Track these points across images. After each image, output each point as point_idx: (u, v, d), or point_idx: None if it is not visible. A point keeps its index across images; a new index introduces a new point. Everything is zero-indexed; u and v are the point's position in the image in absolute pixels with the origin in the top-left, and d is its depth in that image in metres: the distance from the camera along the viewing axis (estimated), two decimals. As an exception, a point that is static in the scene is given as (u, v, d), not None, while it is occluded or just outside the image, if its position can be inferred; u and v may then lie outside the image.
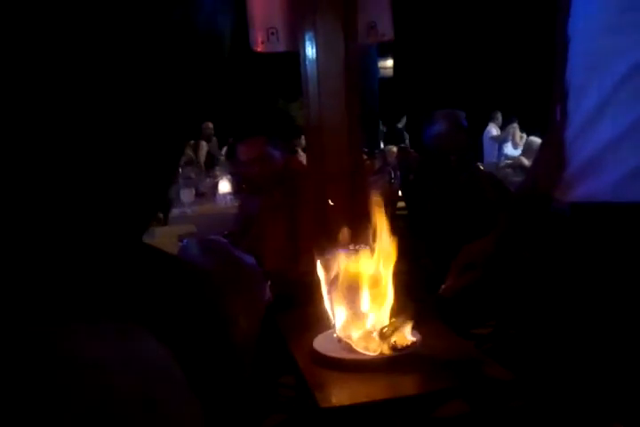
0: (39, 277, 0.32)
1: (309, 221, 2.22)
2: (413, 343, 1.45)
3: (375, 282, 1.52)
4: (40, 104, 0.30)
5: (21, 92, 0.29)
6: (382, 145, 8.17)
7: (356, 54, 2.26)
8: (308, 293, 1.66)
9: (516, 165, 5.92)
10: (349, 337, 1.48)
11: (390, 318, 1.50)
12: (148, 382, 0.32)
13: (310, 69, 2.25)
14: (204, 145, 7.30)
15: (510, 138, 7.77)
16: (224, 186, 4.27)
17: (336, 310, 1.54)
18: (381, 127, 9.07)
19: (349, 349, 1.47)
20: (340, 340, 1.52)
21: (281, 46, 2.31)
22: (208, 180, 4.76)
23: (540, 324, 1.41)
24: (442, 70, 10.73)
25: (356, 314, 1.51)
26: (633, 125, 1.09)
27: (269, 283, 0.67)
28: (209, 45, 0.37)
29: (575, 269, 1.23)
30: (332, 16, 2.19)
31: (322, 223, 2.04)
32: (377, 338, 1.45)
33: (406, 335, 1.47)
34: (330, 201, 2.07)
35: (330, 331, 1.59)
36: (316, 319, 1.61)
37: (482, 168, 3.42)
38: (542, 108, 1.36)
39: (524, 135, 7.45)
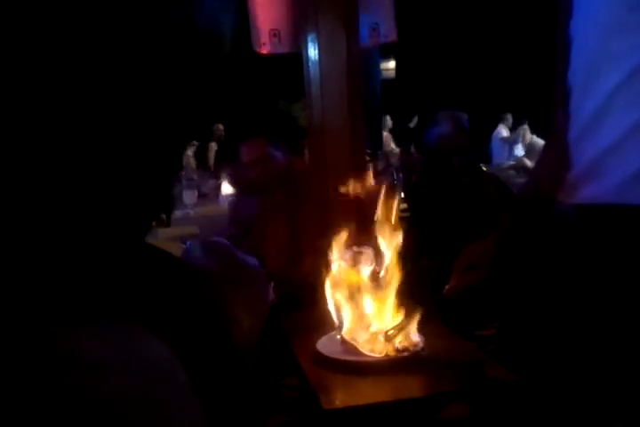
0: (41, 277, 0.32)
1: (312, 222, 2.22)
2: (417, 344, 1.45)
3: (378, 283, 1.52)
4: (42, 105, 0.30)
5: (23, 92, 0.29)
6: (393, 146, 8.16)
7: (358, 56, 2.26)
8: (311, 294, 1.66)
9: (518, 166, 5.91)
10: (354, 339, 1.48)
11: (394, 319, 1.50)
12: (149, 382, 0.32)
13: (313, 71, 2.25)
14: (213, 146, 7.30)
15: (520, 139, 7.74)
16: (227, 187, 4.27)
17: (340, 312, 1.54)
18: (388, 125, 9.01)
19: (353, 350, 1.47)
20: (343, 341, 1.51)
21: (283, 48, 2.31)
22: (211, 181, 4.76)
23: (544, 326, 1.41)
24: (444, 72, 10.73)
25: (360, 316, 1.51)
26: (636, 126, 1.09)
27: (272, 284, 0.66)
28: (209, 45, 0.36)
29: (579, 271, 1.22)
30: (335, 17, 2.19)
31: (324, 224, 2.04)
32: (382, 340, 1.45)
33: (411, 336, 1.46)
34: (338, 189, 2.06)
35: (333, 333, 1.59)
36: (319, 321, 1.61)
37: (485, 169, 3.41)
38: (547, 109, 1.36)
39: (535, 137, 7.43)
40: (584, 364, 1.20)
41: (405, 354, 1.43)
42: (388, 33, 2.41)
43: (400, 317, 1.49)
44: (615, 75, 1.10)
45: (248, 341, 0.53)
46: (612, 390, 1.17)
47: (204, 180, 4.83)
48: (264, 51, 2.30)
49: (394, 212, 1.46)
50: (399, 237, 1.53)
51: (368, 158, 4.74)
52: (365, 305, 1.52)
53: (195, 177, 4.67)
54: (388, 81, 11.18)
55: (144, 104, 0.33)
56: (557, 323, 1.30)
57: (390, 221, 1.52)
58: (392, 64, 11.79)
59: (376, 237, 1.55)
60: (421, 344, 1.45)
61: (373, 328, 1.50)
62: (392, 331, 1.45)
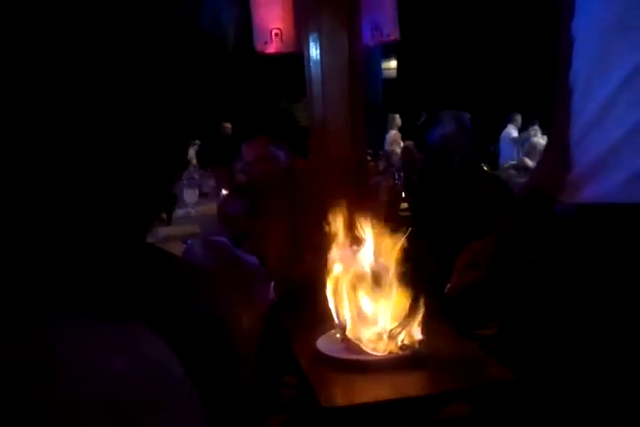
0: (41, 276, 0.32)
1: (313, 221, 2.22)
2: (420, 341, 1.45)
3: (380, 282, 1.52)
4: (43, 105, 0.30)
5: (24, 91, 0.29)
6: (402, 144, 8.12)
7: (359, 55, 2.26)
8: (311, 293, 1.66)
9: (519, 166, 5.91)
10: (357, 338, 1.48)
11: (397, 317, 1.50)
12: (149, 381, 0.32)
13: (314, 71, 2.25)
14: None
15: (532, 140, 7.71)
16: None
17: (341, 311, 1.54)
18: (397, 123, 8.98)
19: (352, 349, 1.47)
20: (345, 340, 1.52)
21: (285, 47, 2.31)
22: (212, 180, 4.76)
23: (544, 325, 1.41)
24: (446, 71, 10.72)
25: (362, 315, 1.51)
26: (638, 126, 1.09)
27: (272, 283, 0.67)
28: (212, 46, 0.37)
29: (581, 271, 1.22)
30: (336, 17, 2.19)
31: (325, 224, 2.04)
32: (386, 338, 1.45)
33: (413, 334, 1.47)
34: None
35: (333, 331, 1.59)
36: (319, 320, 1.61)
37: (485, 169, 3.41)
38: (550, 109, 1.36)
39: (546, 137, 7.37)
40: (584, 364, 1.21)
41: (408, 352, 1.43)
42: (390, 32, 2.40)
43: (402, 315, 1.49)
44: (616, 75, 1.10)
45: (248, 339, 0.53)
46: (612, 390, 1.17)
47: (205, 179, 4.83)
48: (266, 50, 2.30)
49: (395, 211, 1.47)
50: (400, 237, 1.53)
51: (369, 158, 4.74)
52: (367, 304, 1.52)
53: (195, 176, 4.66)
54: (389, 80, 11.18)
55: (147, 103, 0.33)
56: (558, 322, 1.30)
57: (391, 221, 1.52)
58: (394, 63, 11.79)
59: (376, 237, 1.55)
60: (424, 341, 1.46)
61: (376, 327, 1.50)
62: (395, 328, 1.45)
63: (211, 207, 4.21)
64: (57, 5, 0.29)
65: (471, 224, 2.49)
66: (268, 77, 8.06)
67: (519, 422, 1.40)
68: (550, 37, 1.29)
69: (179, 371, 0.35)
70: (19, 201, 0.30)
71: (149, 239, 0.39)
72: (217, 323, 0.43)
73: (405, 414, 1.30)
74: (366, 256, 1.55)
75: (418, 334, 1.47)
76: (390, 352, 1.43)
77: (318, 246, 1.62)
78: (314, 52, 2.23)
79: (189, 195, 4.09)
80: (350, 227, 1.59)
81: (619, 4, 1.10)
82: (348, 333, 1.50)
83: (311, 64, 2.25)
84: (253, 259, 0.62)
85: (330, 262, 1.56)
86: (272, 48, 2.30)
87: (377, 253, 1.55)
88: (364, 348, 1.45)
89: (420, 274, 1.54)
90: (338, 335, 1.56)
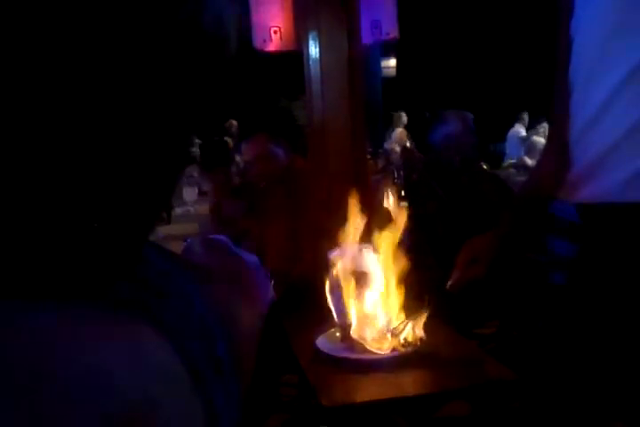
0: (43, 273, 0.32)
1: (312, 220, 2.22)
2: (422, 339, 1.45)
3: (380, 281, 1.52)
4: (46, 102, 0.30)
5: (26, 91, 0.29)
6: (408, 142, 8.11)
7: (359, 54, 2.26)
8: (311, 292, 1.66)
9: (519, 164, 5.92)
10: (360, 337, 1.48)
11: (399, 316, 1.50)
12: (150, 381, 0.32)
13: (313, 69, 2.25)
14: (229, 142, 7.31)
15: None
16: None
17: (342, 310, 1.54)
18: (404, 121, 8.97)
19: (352, 348, 1.47)
20: (343, 339, 1.52)
21: (284, 45, 2.31)
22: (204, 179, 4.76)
23: (544, 324, 1.41)
24: (445, 70, 10.73)
25: (363, 313, 1.51)
26: (637, 125, 1.09)
27: (272, 282, 0.67)
28: (215, 45, 0.37)
29: (581, 270, 1.22)
30: (336, 15, 2.19)
31: (325, 223, 2.04)
32: (389, 336, 1.46)
33: (415, 332, 1.47)
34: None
35: (332, 330, 1.59)
36: (318, 319, 1.61)
37: (485, 168, 3.42)
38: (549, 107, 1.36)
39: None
40: (584, 362, 1.21)
41: (410, 349, 1.43)
42: (389, 31, 2.41)
43: (404, 314, 1.49)
44: (615, 74, 1.10)
45: (248, 338, 0.53)
46: (612, 389, 1.17)
47: (205, 177, 4.83)
48: (265, 48, 2.30)
49: (394, 210, 1.46)
50: (400, 236, 1.53)
51: (369, 157, 4.74)
52: (368, 303, 1.52)
53: (195, 174, 4.67)
54: (388, 79, 11.18)
55: (149, 100, 0.33)
56: (557, 322, 1.30)
57: (391, 220, 1.52)
58: (393, 62, 11.78)
59: (377, 236, 1.55)
60: (425, 338, 1.46)
61: (379, 325, 1.50)
62: (399, 326, 1.45)
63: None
64: (62, 4, 0.29)
65: (471, 223, 2.49)
66: (267, 75, 8.06)
67: (518, 422, 1.40)
68: (550, 36, 1.29)
69: (180, 370, 0.34)
70: (22, 200, 0.30)
71: (149, 238, 0.39)
72: (216, 322, 0.43)
73: (405, 413, 1.30)
74: (367, 255, 1.55)
75: (420, 332, 1.47)
76: (393, 349, 1.43)
77: (318, 245, 1.62)
78: (313, 50, 2.22)
79: (189, 193, 4.10)
80: (350, 226, 1.59)
81: (618, 4, 1.10)
82: (353, 333, 1.50)
83: (310, 62, 2.25)
84: (253, 258, 0.62)
85: (329, 262, 1.56)
86: (271, 46, 2.30)
87: (377, 252, 1.55)
88: (368, 347, 1.45)
89: (420, 273, 1.54)
90: (338, 334, 1.56)
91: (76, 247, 0.32)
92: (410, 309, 1.49)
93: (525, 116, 8.26)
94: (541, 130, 7.56)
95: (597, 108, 1.14)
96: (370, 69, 8.67)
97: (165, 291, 0.39)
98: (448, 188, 2.74)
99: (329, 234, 1.60)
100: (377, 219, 1.57)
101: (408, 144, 7.56)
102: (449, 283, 1.45)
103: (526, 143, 7.30)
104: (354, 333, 1.50)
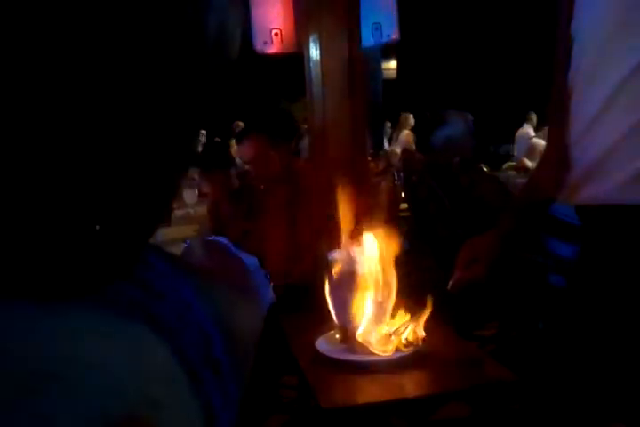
0: (47, 274, 0.32)
1: (312, 221, 2.22)
2: (424, 339, 1.45)
3: (380, 282, 1.52)
4: (49, 105, 0.30)
5: (29, 91, 0.29)
6: (414, 145, 8.08)
7: (360, 56, 2.26)
8: (310, 294, 1.66)
9: (519, 166, 5.91)
10: (359, 337, 1.48)
11: (400, 317, 1.50)
12: (149, 381, 0.32)
13: (314, 71, 2.25)
14: (234, 144, 7.29)
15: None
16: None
17: (341, 311, 1.54)
18: (410, 123, 8.95)
19: (352, 349, 1.47)
20: (342, 340, 1.52)
21: (284, 47, 2.32)
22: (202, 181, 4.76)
23: (543, 326, 1.41)
24: (446, 71, 10.73)
25: (362, 315, 1.51)
26: (637, 126, 1.09)
27: (272, 283, 0.67)
28: (218, 48, 0.37)
29: (581, 272, 1.22)
30: (336, 17, 2.20)
31: (324, 224, 2.04)
32: (391, 338, 1.46)
33: (417, 332, 1.47)
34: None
35: (332, 332, 1.59)
36: (318, 320, 1.61)
37: (485, 170, 3.41)
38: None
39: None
40: (584, 363, 1.21)
41: (411, 349, 1.43)
42: (390, 33, 2.41)
43: (405, 315, 1.49)
44: (616, 75, 1.10)
45: (247, 340, 0.53)
46: (612, 390, 1.17)
47: (204, 178, 4.83)
48: (265, 50, 2.31)
49: (394, 212, 1.47)
50: (400, 237, 1.53)
51: (369, 158, 4.74)
52: (368, 305, 1.52)
53: (195, 176, 4.67)
54: (389, 81, 11.18)
55: (151, 104, 0.34)
56: (557, 323, 1.30)
57: (391, 221, 1.52)
58: (394, 64, 11.79)
59: (376, 237, 1.55)
60: (426, 339, 1.46)
61: (381, 327, 1.50)
62: (401, 327, 1.45)
63: (210, 208, 4.21)
64: (67, 5, 0.29)
65: (471, 224, 2.50)
66: (268, 78, 8.07)
67: (518, 423, 1.40)
68: (550, 37, 1.30)
69: (178, 371, 0.35)
70: (23, 201, 0.31)
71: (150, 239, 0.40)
72: (215, 323, 0.43)
73: (404, 414, 1.30)
74: (366, 256, 1.55)
75: (420, 332, 1.48)
76: (394, 351, 1.43)
77: (317, 247, 1.62)
78: (314, 52, 2.23)
79: (189, 195, 4.10)
80: (350, 227, 1.59)
81: (619, 5, 1.10)
82: (353, 334, 1.49)
83: (311, 64, 2.25)
84: (253, 259, 0.62)
85: (329, 263, 1.56)
86: (272, 48, 2.31)
87: (377, 254, 1.55)
88: (369, 348, 1.45)
89: (420, 274, 1.54)
90: (337, 336, 1.56)
91: (77, 248, 0.33)
92: (410, 310, 1.49)
93: (534, 117, 8.21)
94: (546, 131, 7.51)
95: (597, 110, 1.14)
96: (370, 71, 8.67)
97: (164, 292, 0.39)
98: (448, 189, 2.74)
99: (328, 235, 1.60)
100: (377, 220, 1.57)
101: (414, 146, 7.54)
102: (449, 283, 1.45)
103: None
104: (354, 334, 1.50)
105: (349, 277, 1.53)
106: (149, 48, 0.32)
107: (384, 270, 1.53)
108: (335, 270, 1.56)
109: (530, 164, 5.64)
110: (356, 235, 1.59)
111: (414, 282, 1.55)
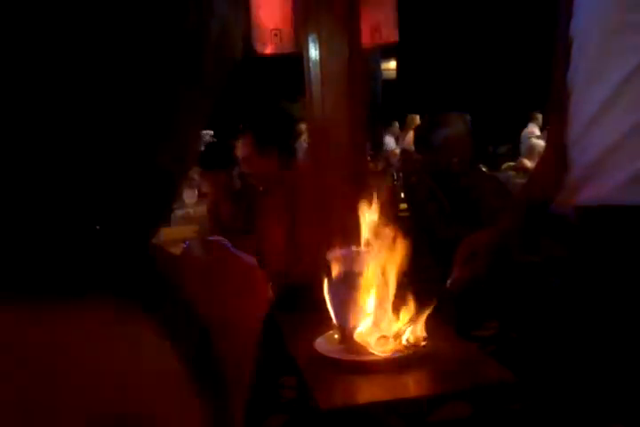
0: (51, 275, 0.32)
1: (311, 222, 2.22)
2: (425, 339, 1.45)
3: (379, 282, 1.52)
4: (54, 107, 0.30)
5: (36, 92, 0.30)
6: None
7: (359, 56, 2.26)
8: (309, 294, 1.66)
9: (518, 166, 5.91)
10: (363, 340, 1.48)
11: (400, 318, 1.50)
12: (149, 381, 0.32)
13: (314, 71, 2.25)
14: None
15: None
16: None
17: (340, 311, 1.54)
18: (417, 123, 8.95)
19: (351, 350, 1.47)
20: (341, 341, 1.52)
21: (284, 48, 2.32)
22: (203, 180, 4.76)
23: (543, 326, 1.41)
24: (445, 72, 10.74)
25: (361, 315, 1.51)
26: (637, 127, 1.09)
27: (271, 284, 0.67)
28: (220, 53, 0.37)
29: (580, 272, 1.22)
30: (336, 17, 2.20)
31: (324, 225, 2.04)
32: (391, 338, 1.45)
33: (418, 332, 1.47)
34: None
35: (331, 332, 1.59)
36: (317, 320, 1.61)
37: (484, 170, 3.42)
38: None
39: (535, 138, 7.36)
40: (583, 364, 1.21)
41: (413, 350, 1.43)
42: (390, 33, 2.41)
43: (405, 315, 1.49)
44: (615, 75, 1.10)
45: (246, 340, 0.53)
46: (612, 391, 1.17)
47: (205, 178, 4.83)
48: (265, 51, 2.31)
49: (393, 212, 1.47)
50: (399, 238, 1.53)
51: (368, 159, 4.74)
52: (367, 305, 1.52)
53: (195, 176, 4.67)
54: (389, 81, 11.19)
55: (154, 106, 0.34)
56: (557, 323, 1.30)
57: (390, 222, 1.52)
58: (393, 64, 11.80)
59: (375, 238, 1.55)
60: (427, 340, 1.46)
61: (381, 328, 1.50)
62: (401, 328, 1.45)
63: (210, 208, 4.21)
64: (73, 13, 0.30)
65: (470, 225, 2.49)
66: (268, 78, 8.07)
67: (518, 424, 1.40)
68: (549, 37, 1.30)
69: (178, 370, 0.35)
70: (28, 200, 0.31)
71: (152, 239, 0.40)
72: (215, 323, 0.44)
73: (403, 415, 1.30)
74: (365, 256, 1.55)
75: (421, 333, 1.47)
76: (396, 351, 1.43)
77: (317, 247, 1.62)
78: (313, 52, 2.23)
79: (189, 195, 4.10)
80: (349, 228, 1.59)
81: (618, 5, 1.10)
82: (352, 335, 1.49)
83: (311, 64, 2.25)
84: (252, 259, 0.62)
85: (328, 263, 1.56)
86: (271, 48, 2.31)
87: (376, 254, 1.55)
88: (369, 349, 1.44)
89: (419, 274, 1.54)
90: (336, 336, 1.56)
91: (80, 248, 0.33)
92: (410, 310, 1.49)
93: (539, 117, 8.18)
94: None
95: (597, 110, 1.14)
96: (370, 72, 8.67)
97: (165, 292, 0.39)
98: (447, 189, 2.74)
99: (328, 235, 1.60)
100: (376, 220, 1.57)
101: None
102: (449, 281, 1.45)
103: (526, 145, 7.27)
104: (352, 334, 1.50)
105: (348, 277, 1.53)
106: (155, 52, 0.33)
107: (383, 270, 1.53)
108: (334, 270, 1.56)
109: (529, 164, 5.64)
110: (355, 235, 1.59)
111: (413, 282, 1.55)
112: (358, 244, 1.58)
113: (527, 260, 2.35)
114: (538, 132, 7.90)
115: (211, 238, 0.63)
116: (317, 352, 1.49)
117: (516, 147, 7.92)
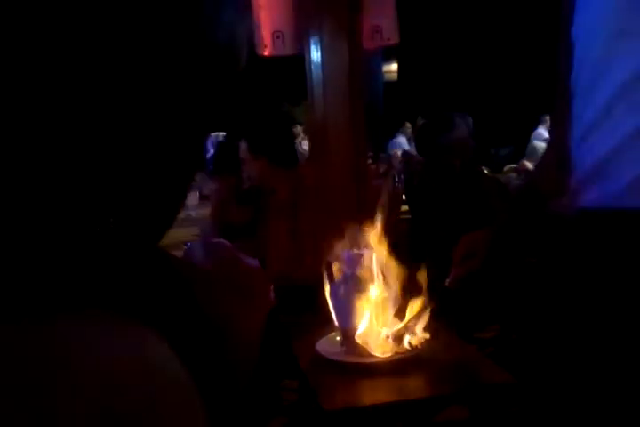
0: (56, 278, 0.32)
1: (313, 224, 2.23)
2: (426, 340, 1.46)
3: (380, 284, 1.52)
4: (66, 108, 0.31)
5: (48, 92, 0.30)
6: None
7: (360, 58, 2.27)
8: (311, 296, 1.66)
9: (520, 169, 5.90)
10: (360, 340, 1.48)
11: (401, 319, 1.50)
12: (150, 381, 0.32)
13: (315, 73, 2.25)
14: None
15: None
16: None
17: (341, 313, 1.54)
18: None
19: (353, 352, 1.47)
20: (343, 343, 1.52)
21: (286, 50, 2.32)
22: (211, 183, 4.76)
23: (543, 329, 1.41)
24: (446, 74, 10.73)
25: (363, 317, 1.51)
26: (639, 130, 1.09)
27: (273, 286, 0.67)
28: (227, 57, 0.38)
29: (580, 275, 1.22)
30: (337, 20, 2.20)
31: (326, 227, 2.04)
32: (391, 340, 1.46)
33: (419, 334, 1.47)
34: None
35: (333, 334, 1.59)
36: (319, 322, 1.61)
37: (486, 172, 3.41)
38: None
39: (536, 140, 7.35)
40: (582, 366, 1.21)
41: (414, 352, 1.43)
42: (391, 35, 2.41)
43: (407, 317, 1.49)
44: (617, 78, 1.10)
45: (249, 341, 0.53)
46: (610, 393, 1.17)
47: (205, 181, 4.83)
48: (267, 53, 2.31)
49: (395, 214, 1.47)
50: (400, 240, 1.53)
51: (370, 161, 4.74)
52: (369, 306, 1.52)
53: (196, 178, 4.67)
54: (390, 83, 11.19)
55: (162, 108, 0.35)
56: (557, 326, 1.30)
57: (392, 224, 1.53)
58: (394, 66, 11.80)
59: (377, 239, 1.55)
60: (428, 340, 1.46)
61: (381, 329, 1.50)
62: (401, 329, 1.45)
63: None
64: (84, 19, 0.30)
65: (471, 227, 2.49)
66: (270, 80, 8.07)
67: (517, 426, 1.40)
68: (551, 40, 1.30)
69: (180, 372, 0.35)
70: (31, 204, 0.31)
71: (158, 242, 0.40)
72: (217, 325, 0.44)
73: (404, 417, 1.30)
74: (367, 258, 1.55)
75: (423, 334, 1.48)
76: (397, 353, 1.43)
77: (319, 248, 1.62)
78: (315, 54, 2.23)
79: (190, 197, 4.10)
80: (351, 229, 1.60)
81: (619, 8, 1.10)
82: (354, 337, 1.49)
83: (312, 67, 2.26)
84: (254, 261, 0.62)
85: (330, 265, 1.56)
86: (274, 51, 2.31)
87: (378, 256, 1.55)
88: (371, 351, 1.44)
89: (419, 275, 1.54)
90: (338, 338, 1.56)
91: (85, 251, 0.33)
92: (411, 311, 1.49)
93: (547, 119, 8.16)
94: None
95: (599, 113, 1.14)
96: (371, 73, 8.67)
97: (167, 294, 0.40)
98: (448, 192, 2.74)
99: (330, 237, 1.60)
100: (377, 222, 1.57)
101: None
102: (447, 280, 1.46)
103: (528, 148, 7.25)
104: (356, 337, 1.50)
105: (349, 279, 1.53)
106: (165, 57, 0.33)
107: (384, 272, 1.53)
108: (336, 272, 1.56)
109: (530, 166, 5.63)
110: (357, 237, 1.59)
111: (413, 283, 1.55)
112: (360, 246, 1.58)
113: (529, 262, 2.35)
114: (546, 135, 7.87)
115: (213, 240, 0.63)
116: (319, 354, 1.49)
117: (518, 149, 7.90)
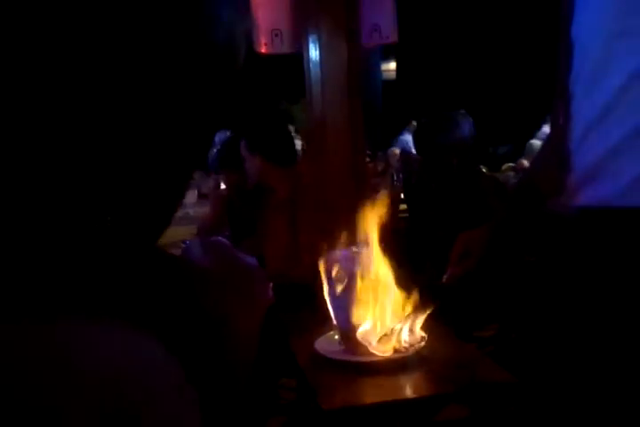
0: (55, 279, 0.32)
1: (311, 222, 2.23)
2: (423, 339, 1.46)
3: (378, 283, 1.52)
4: (67, 111, 0.31)
5: (53, 93, 0.30)
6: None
7: (359, 56, 2.27)
8: (309, 294, 1.66)
9: (518, 167, 5.91)
10: (359, 338, 1.48)
11: (399, 318, 1.50)
12: (148, 378, 0.32)
13: (314, 71, 2.25)
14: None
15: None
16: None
17: (340, 312, 1.54)
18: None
19: (351, 350, 1.47)
20: (341, 342, 1.52)
21: (284, 48, 2.32)
22: (210, 181, 4.77)
23: (542, 327, 1.41)
24: (445, 72, 10.74)
25: (361, 315, 1.51)
26: (638, 129, 1.09)
27: (271, 284, 0.67)
28: (225, 56, 0.38)
29: (580, 274, 1.22)
30: (336, 18, 2.20)
31: (324, 225, 2.04)
32: (390, 339, 1.46)
33: (415, 333, 1.47)
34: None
35: (331, 333, 1.59)
36: (317, 320, 1.61)
37: (484, 171, 3.42)
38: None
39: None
40: (582, 365, 1.21)
41: (412, 350, 1.43)
42: (389, 34, 2.41)
43: (405, 315, 1.49)
44: (616, 78, 1.10)
45: (247, 340, 0.53)
46: (610, 392, 1.17)
47: (204, 180, 4.84)
48: (265, 51, 2.31)
49: (393, 213, 1.47)
50: (398, 238, 1.53)
51: (368, 159, 4.74)
52: (367, 305, 1.52)
53: (194, 176, 4.67)
54: (388, 82, 11.20)
55: (163, 107, 0.35)
56: (556, 325, 1.30)
57: (390, 222, 1.53)
58: (393, 65, 11.81)
59: (374, 238, 1.55)
60: (425, 339, 1.46)
61: (379, 327, 1.50)
62: (398, 327, 1.45)
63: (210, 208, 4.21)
64: (89, 22, 0.30)
65: (469, 226, 2.49)
66: (268, 78, 8.07)
67: (516, 425, 1.40)
68: (551, 39, 1.30)
69: (176, 371, 0.35)
70: (32, 205, 0.31)
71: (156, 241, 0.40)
72: (216, 323, 0.44)
73: (403, 416, 1.30)
74: (365, 257, 1.55)
75: (420, 333, 1.48)
76: (396, 352, 1.43)
77: (317, 247, 1.62)
78: (313, 52, 2.23)
79: (188, 196, 4.10)
80: (349, 228, 1.59)
81: (618, 8, 1.10)
82: (353, 335, 1.49)
83: (311, 65, 2.25)
84: (252, 260, 0.62)
85: (328, 263, 1.56)
86: (272, 49, 2.31)
87: (376, 255, 1.55)
88: (369, 349, 1.44)
89: (417, 274, 1.54)
90: (336, 337, 1.56)
91: (83, 251, 0.33)
92: (409, 310, 1.49)
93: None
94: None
95: (598, 113, 1.15)
96: (370, 72, 8.68)
97: (166, 293, 0.39)
98: (446, 190, 2.74)
99: (328, 235, 1.60)
100: (375, 221, 1.57)
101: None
102: (444, 278, 1.47)
103: (526, 146, 7.27)
104: (353, 335, 1.50)
105: (348, 277, 1.52)
106: (165, 56, 0.34)
107: (382, 271, 1.53)
108: (333, 271, 1.56)
109: (528, 164, 5.64)
110: (355, 235, 1.59)
111: (411, 282, 1.55)
112: (358, 244, 1.58)
113: (528, 261, 2.35)
114: None
115: (211, 239, 0.63)
116: (318, 353, 1.49)
117: (517, 148, 7.92)
